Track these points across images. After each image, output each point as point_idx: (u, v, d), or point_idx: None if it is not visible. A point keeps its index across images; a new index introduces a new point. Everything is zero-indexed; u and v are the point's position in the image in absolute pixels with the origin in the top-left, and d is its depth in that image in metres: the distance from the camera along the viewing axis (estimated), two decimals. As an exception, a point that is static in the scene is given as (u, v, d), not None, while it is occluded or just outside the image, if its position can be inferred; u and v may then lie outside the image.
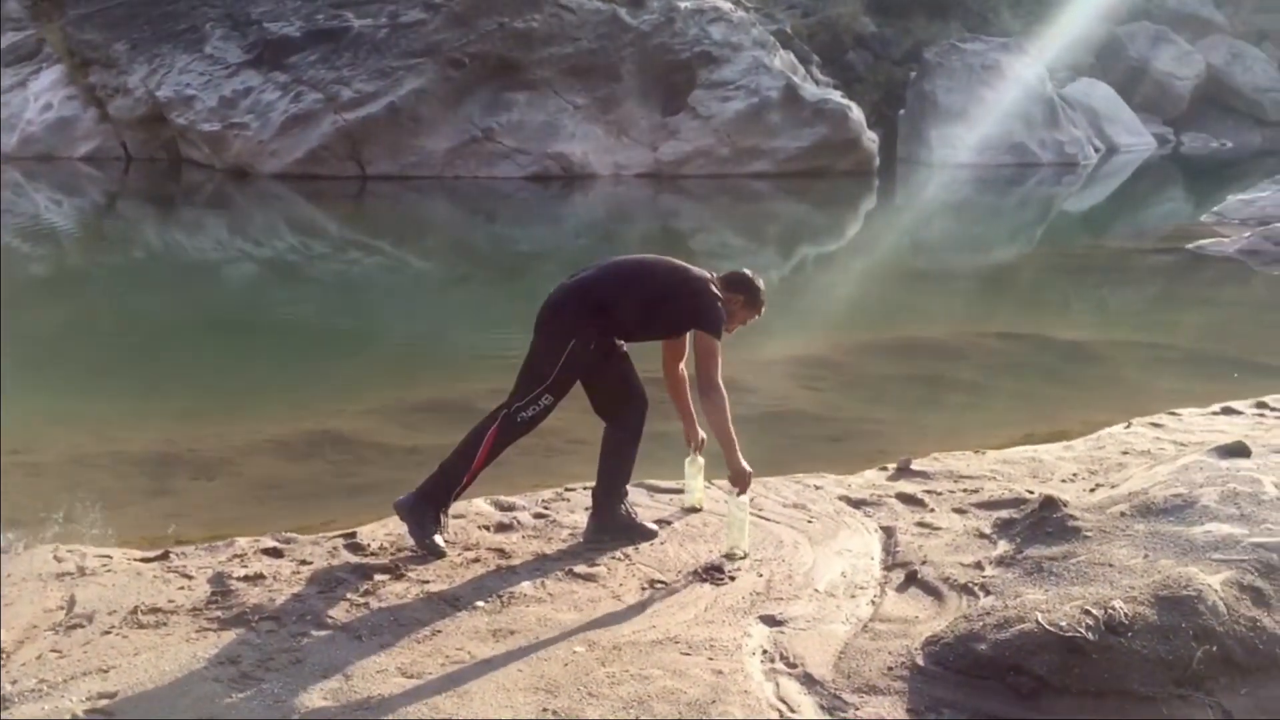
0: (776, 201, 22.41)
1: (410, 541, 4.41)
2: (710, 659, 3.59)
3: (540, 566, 4.31)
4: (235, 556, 4.31)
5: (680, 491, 5.07)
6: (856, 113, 24.26)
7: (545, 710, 3.25)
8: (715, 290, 4.57)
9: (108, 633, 3.63)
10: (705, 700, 3.32)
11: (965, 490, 5.20)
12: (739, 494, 4.47)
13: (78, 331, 10.27)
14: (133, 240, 18.55)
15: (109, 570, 4.14)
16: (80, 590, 3.96)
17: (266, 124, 22.12)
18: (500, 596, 4.00)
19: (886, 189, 24.45)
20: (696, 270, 4.66)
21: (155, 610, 3.78)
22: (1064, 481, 5.35)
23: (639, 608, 3.98)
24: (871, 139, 24.72)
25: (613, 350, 4.61)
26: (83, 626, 3.67)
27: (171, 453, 6.26)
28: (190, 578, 4.08)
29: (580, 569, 4.28)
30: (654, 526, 4.67)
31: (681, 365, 4.86)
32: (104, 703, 3.19)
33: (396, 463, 6.06)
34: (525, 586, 4.10)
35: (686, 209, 21.94)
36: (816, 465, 5.83)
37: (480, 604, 3.93)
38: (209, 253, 17.34)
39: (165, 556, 4.30)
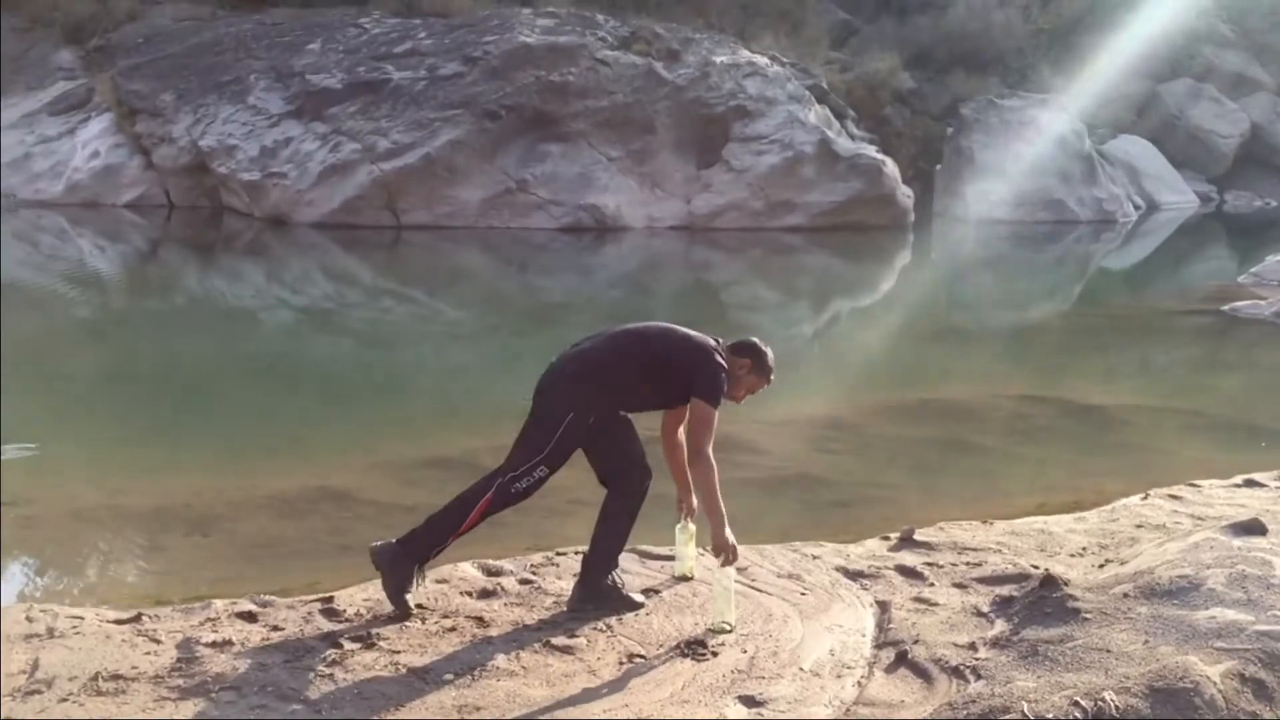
0: (809, 255, 22.29)
1: (385, 605, 4.31)
2: (682, 743, 3.45)
3: (518, 637, 4.19)
4: (208, 620, 4.22)
5: (672, 558, 4.94)
6: (891, 167, 24.13)
7: (502, 796, 3.12)
8: (719, 358, 4.47)
9: (64, 700, 3.55)
10: (671, 789, 3.18)
11: (968, 563, 5.03)
12: (724, 566, 4.34)
13: (98, 378, 10.31)
14: (172, 287, 18.73)
15: (78, 633, 4.06)
16: (46, 653, 3.89)
17: (305, 174, 22.34)
18: (472, 670, 3.88)
19: (921, 244, 24.26)
20: (700, 337, 4.56)
21: (117, 677, 3.70)
22: (1072, 556, 5.17)
23: (614, 684, 3.84)
24: (907, 194, 24.56)
25: (613, 421, 4.53)
26: (40, 693, 3.59)
27: (168, 507, 6.20)
28: (159, 642, 3.99)
29: (559, 640, 4.15)
30: (639, 598, 4.54)
31: (681, 430, 4.75)
32: (46, 778, 3.09)
33: (392, 521, 5.89)
34: (499, 659, 3.98)
35: (719, 261, 21.89)
36: (820, 532, 5.69)
37: (449, 677, 3.81)
38: (246, 300, 17.46)
39: (137, 619, 4.22)
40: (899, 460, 7.75)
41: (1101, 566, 4.94)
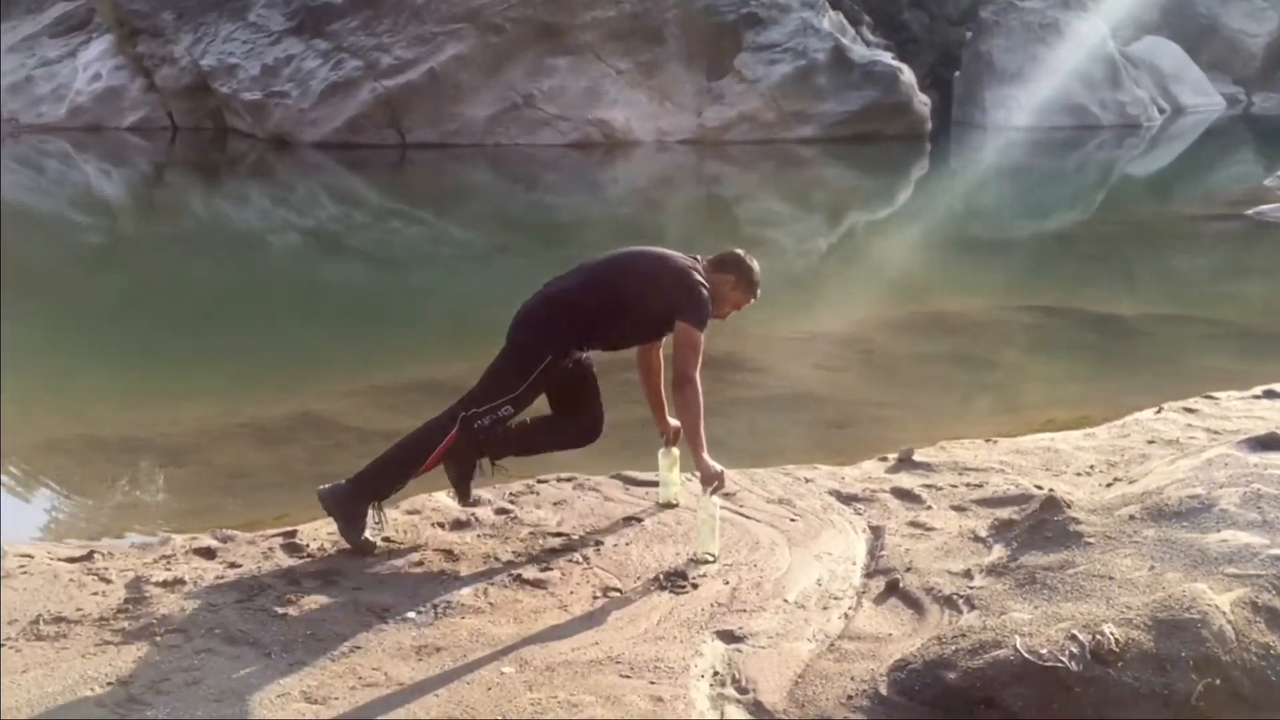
0: (823, 167, 21.82)
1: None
2: (652, 683, 3.23)
3: (488, 571, 3.97)
4: (163, 558, 4.02)
5: (656, 484, 4.70)
6: (908, 75, 23.52)
7: (453, 745, 2.91)
8: (699, 277, 4.20)
9: (2, 645, 3.35)
10: (636, 733, 2.97)
11: (969, 485, 4.77)
12: (710, 494, 4.10)
13: (90, 307, 10.13)
14: (177, 211, 18.51)
15: (25, 572, 3.87)
16: (-12, 595, 3.70)
17: (307, 92, 21.95)
18: (436, 606, 3.67)
19: (939, 153, 23.71)
20: (678, 258, 4.28)
21: (59, 620, 3.50)
22: (1079, 475, 4.90)
23: (585, 620, 3.63)
24: (924, 102, 23.97)
25: (582, 366, 4.31)
26: (-23, 638, 3.40)
27: (142, 437, 6.02)
28: (108, 581, 3.80)
29: (530, 574, 3.94)
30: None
31: (657, 351, 4.49)
32: (-30, 730, 2.91)
33: (372, 449, 5.69)
34: (465, 594, 3.77)
35: (730, 175, 21.45)
36: (815, 454, 5.45)
37: (411, 615, 3.60)
38: (252, 224, 17.21)
39: (89, 557, 4.03)
40: (904, 378, 7.48)
41: (1109, 486, 4.68)
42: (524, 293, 4.35)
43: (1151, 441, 5.32)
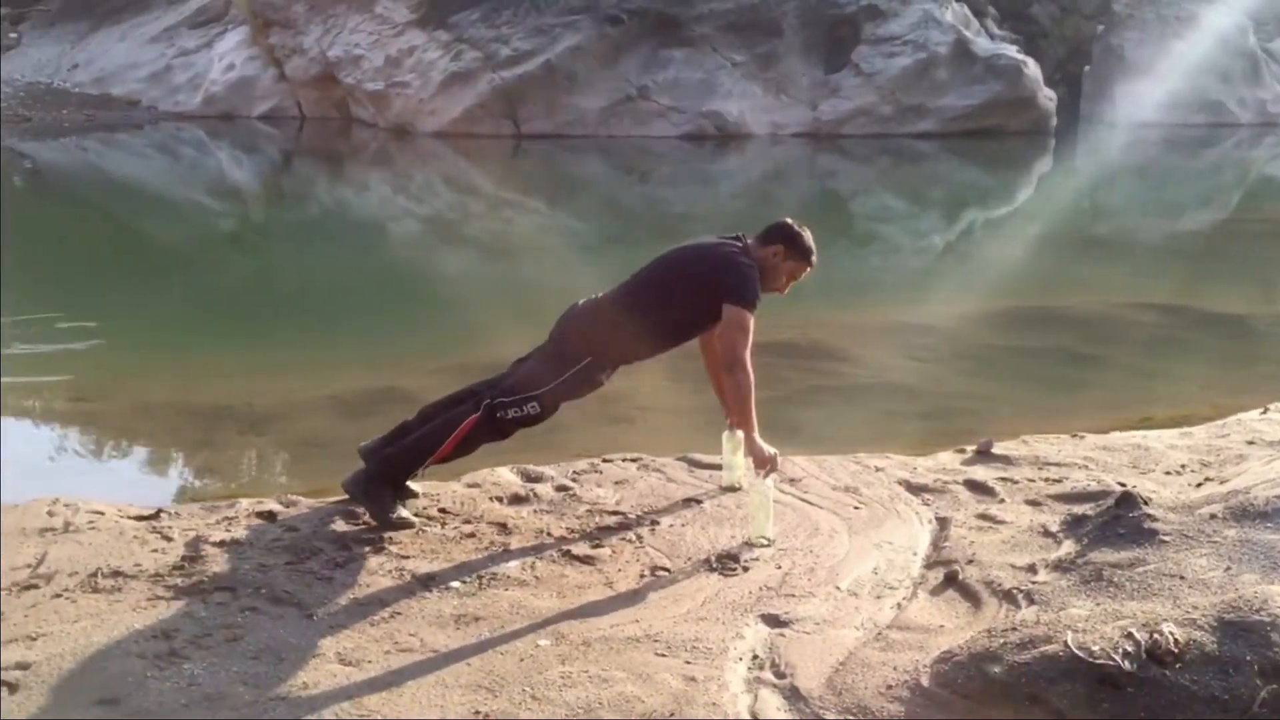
0: (941, 163, 21.35)
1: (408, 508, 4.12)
2: (688, 662, 3.16)
3: (538, 546, 3.95)
4: (226, 519, 4.09)
5: (720, 467, 4.62)
6: (1032, 68, 22.87)
7: (477, 712, 2.89)
8: (743, 258, 4.10)
9: (58, 596, 3.45)
10: (662, 711, 2.91)
11: (1046, 479, 4.59)
12: (763, 477, 4.01)
13: (205, 286, 10.43)
14: (304, 198, 19.00)
15: (94, 528, 3.98)
16: (55, 548, 3.81)
17: (427, 83, 22.32)
18: (481, 577, 3.66)
19: (1064, 150, 23.00)
20: (720, 244, 4.21)
21: (116, 574, 3.59)
22: (1167, 474, 4.67)
23: (629, 598, 3.57)
24: (1049, 96, 23.28)
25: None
26: (37, 587, 3.50)
27: (231, 405, 6.17)
28: (169, 540, 3.88)
29: (580, 550, 3.90)
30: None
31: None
32: (15, 673, 2.98)
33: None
34: (512, 567, 3.75)
35: (845, 170, 21.15)
36: (892, 444, 5.29)
37: (455, 584, 3.60)
38: (372, 211, 17.54)
39: (156, 516, 4.12)
40: (999, 371, 7.24)
41: (1199, 486, 4.44)
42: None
43: (1251, 442, 5.04)
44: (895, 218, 17.00)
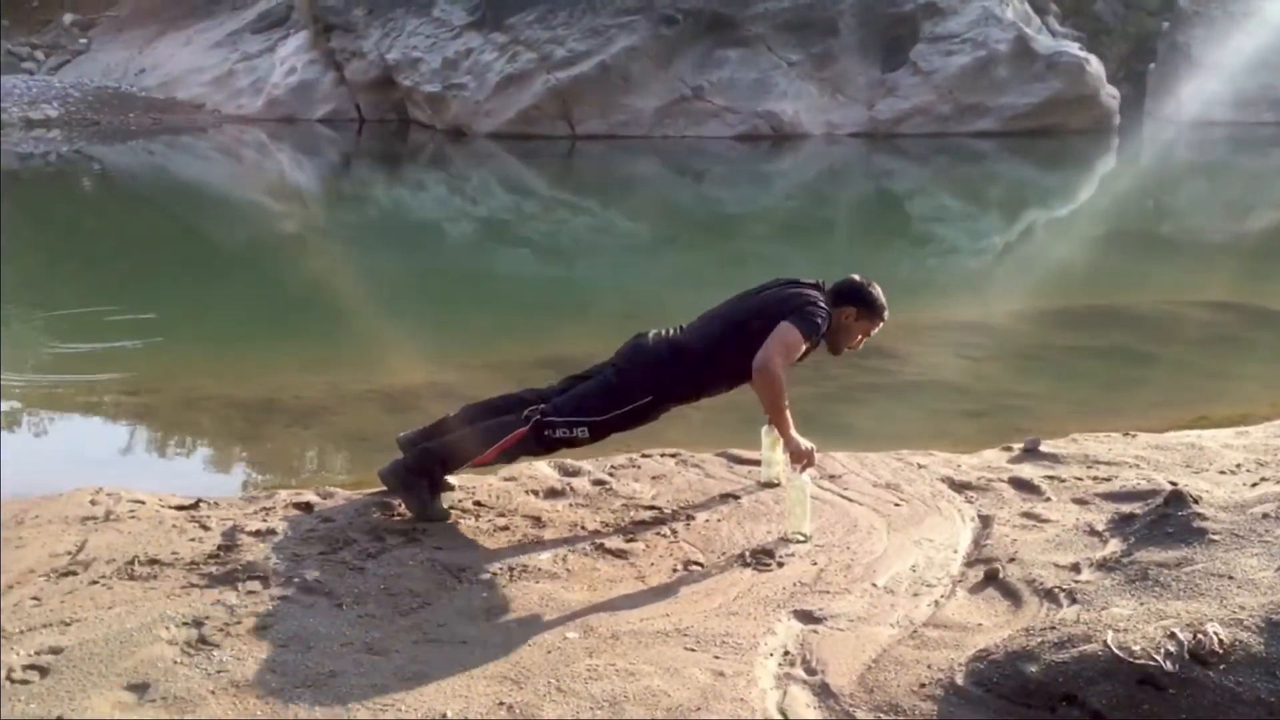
0: (1001, 162, 21.08)
1: (445, 500, 4.11)
2: (717, 657, 3.11)
3: (572, 539, 3.92)
4: (264, 509, 4.11)
5: (759, 463, 4.57)
6: (1095, 65, 22.50)
7: (501, 704, 2.86)
8: (822, 305, 4.07)
9: (95, 583, 3.47)
10: (689, 706, 2.86)
11: (1095, 478, 4.47)
12: (800, 471, 3.95)
13: (263, 284, 10.56)
14: (364, 200, 19.15)
15: (134, 517, 4.01)
16: (95, 536, 3.84)
17: (483, 84, 22.45)
18: (512, 569, 3.64)
19: (1128, 149, 22.60)
20: (801, 289, 4.15)
21: (153, 562, 3.61)
22: (1222, 473, 4.53)
23: (661, 591, 3.53)
24: (1112, 94, 22.89)
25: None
26: (75, 574, 3.53)
27: (278, 399, 6.22)
28: (207, 529, 3.90)
29: (613, 544, 3.87)
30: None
31: None
32: (47, 658, 3.01)
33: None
34: (544, 560, 3.72)
35: (902, 170, 20.94)
36: (939, 442, 5.21)
37: (486, 576, 3.58)
38: (429, 212, 17.66)
39: (196, 506, 4.15)
40: (1053, 369, 7.10)
41: (1254, 486, 4.30)
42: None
43: (1311, 442, 4.88)
44: (952, 218, 16.81)
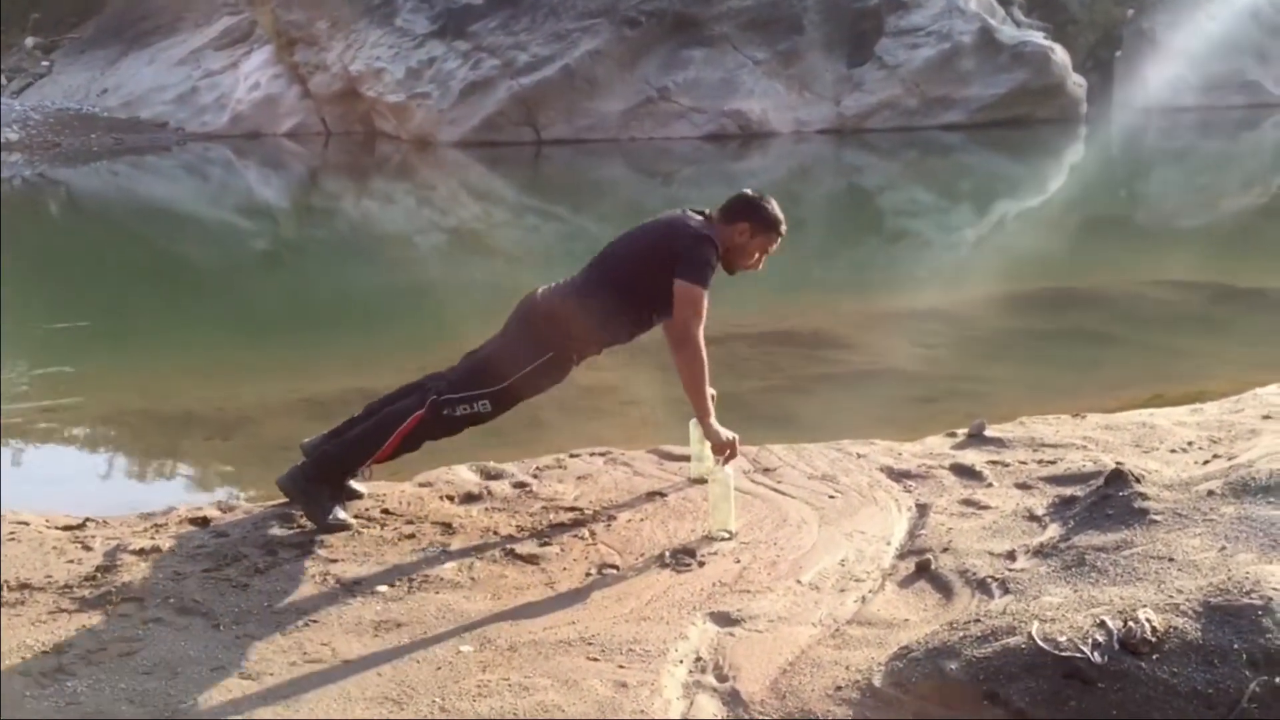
0: (969, 154, 20.91)
1: (352, 509, 3.87)
2: (621, 666, 2.88)
3: (481, 545, 3.67)
4: (153, 526, 3.86)
5: (689, 459, 4.34)
6: (1060, 55, 22.37)
7: (377, 727, 2.62)
8: (705, 232, 3.80)
9: (-45, 611, 3.22)
10: (584, 721, 2.63)
11: (1040, 461, 4.26)
12: (722, 464, 3.72)
13: (209, 299, 10.31)
14: (332, 213, 18.83)
15: (13, 539, 3.75)
16: (-33, 561, 3.58)
17: (446, 93, 22.21)
18: (412, 580, 3.39)
19: (1096, 137, 22.46)
20: (684, 218, 3.89)
21: (24, 587, 3.35)
22: (1173, 452, 4.31)
23: (570, 598, 3.30)
24: (1078, 83, 22.77)
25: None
26: (-64, 602, 3.28)
27: (200, 412, 5.97)
28: (89, 550, 3.64)
29: (525, 549, 3.62)
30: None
31: None
32: (-113, 694, 2.75)
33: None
34: (448, 569, 3.48)
35: (872, 165, 20.75)
36: (887, 430, 4.97)
37: (382, 589, 3.33)
38: (398, 224, 17.32)
39: (82, 526, 3.90)
40: (1005, 353, 6.90)
41: (1206, 464, 4.09)
42: None
43: (1267, 417, 4.68)
44: (922, 211, 16.65)
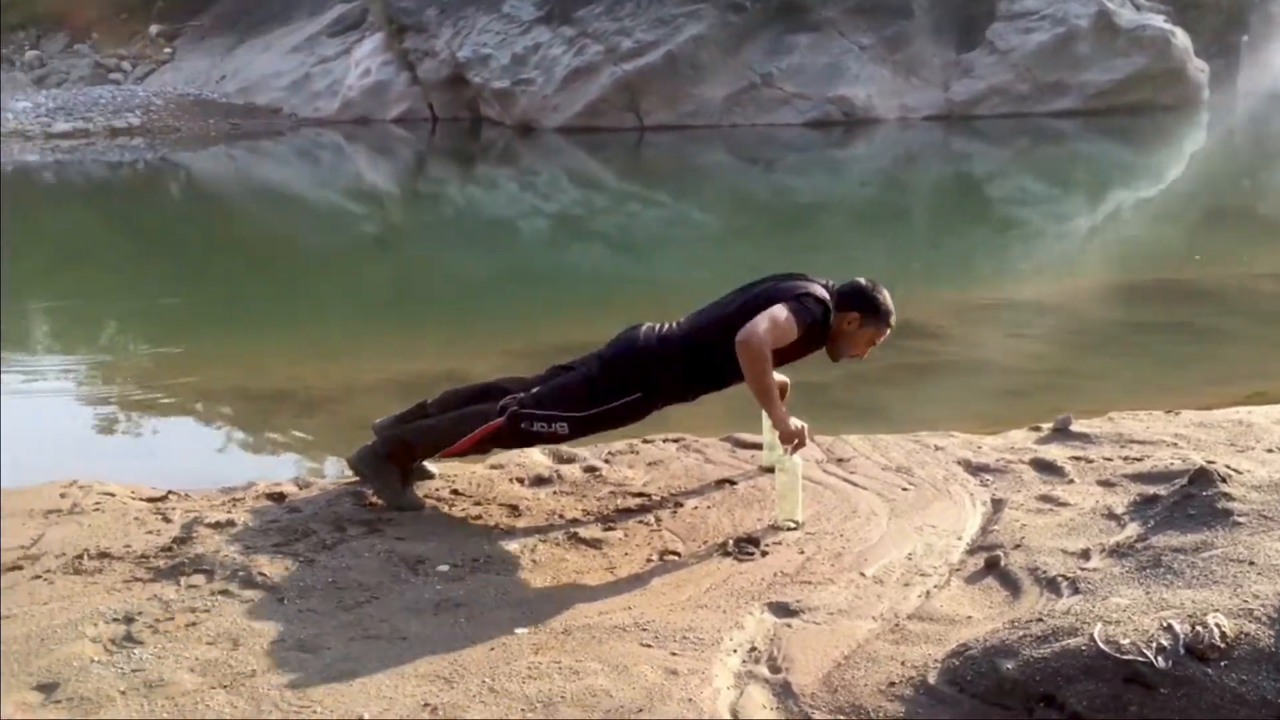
0: (1083, 142, 20.29)
1: (422, 489, 3.92)
2: (674, 654, 2.85)
3: (546, 528, 3.68)
4: (233, 500, 3.95)
5: (760, 447, 4.29)
6: (1182, 38, 21.56)
7: (425, 705, 2.64)
8: (822, 293, 3.75)
9: (38, 577, 3.33)
10: (630, 707, 2.61)
11: (1126, 459, 4.10)
12: (791, 454, 3.66)
13: (322, 279, 10.54)
14: (438, 198, 19.12)
15: (98, 509, 3.88)
16: (54, 529, 3.71)
17: (550, 79, 22.31)
18: (475, 561, 3.41)
19: (1219, 124, 21.62)
20: (805, 278, 3.83)
21: (103, 555, 3.46)
22: (1269, 451, 4.12)
23: (628, 583, 3.28)
24: (1200, 68, 21.92)
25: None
26: (21, 569, 3.39)
27: (290, 390, 6.10)
28: (169, 521, 3.74)
29: (589, 533, 3.62)
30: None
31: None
32: (-35, 656, 2.86)
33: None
34: (510, 550, 3.49)
35: (980, 152, 20.28)
36: (971, 423, 4.86)
37: (443, 568, 3.36)
38: (501, 209, 17.50)
39: (164, 498, 4.01)
40: (1105, 347, 6.67)
41: (1305, 464, 3.90)
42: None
43: (1375, 417, 4.44)
44: (1032, 200, 16.18)
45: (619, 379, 3.77)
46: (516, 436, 3.80)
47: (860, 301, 3.80)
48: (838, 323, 3.77)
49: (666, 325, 3.91)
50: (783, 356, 3.71)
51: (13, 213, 16.58)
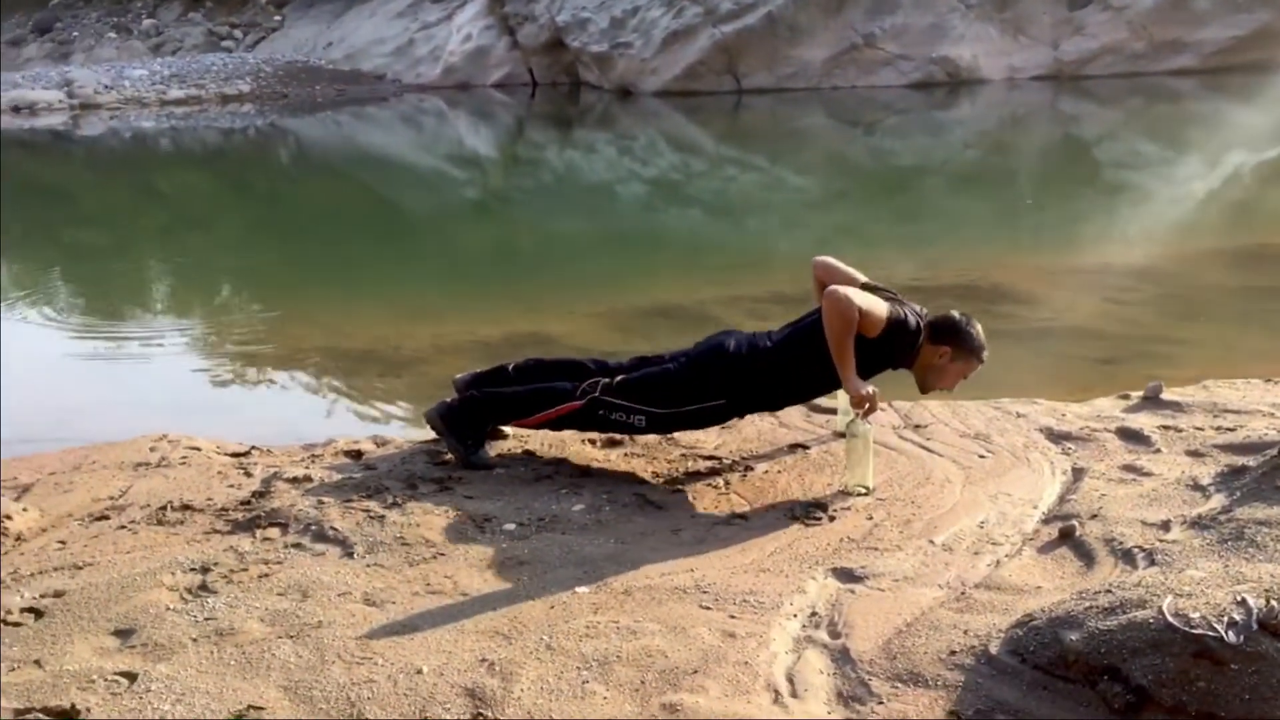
0: (1201, 102, 19.52)
1: (493, 449, 3.96)
2: (733, 616, 2.84)
3: (614, 490, 3.69)
4: (312, 456, 4.05)
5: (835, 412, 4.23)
6: (1310, -8, 20.61)
7: (483, 660, 2.66)
8: (915, 319, 3.73)
9: (123, 527, 3.45)
10: (684, 668, 2.60)
11: (1218, 428, 3.96)
12: (862, 418, 3.61)
13: (420, 242, 10.69)
14: (538, 163, 19.22)
15: (184, 463, 4.00)
16: (141, 481, 3.84)
17: (649, 42, 22.22)
18: (541, 520, 3.44)
19: (1351, 84, 20.60)
20: (898, 307, 3.77)
21: (185, 508, 3.56)
22: (1373, 424, 3.94)
23: (692, 546, 3.27)
24: (1329, 24, 20.91)
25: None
26: (107, 519, 3.52)
27: (378, 350, 6.21)
28: (249, 475, 3.85)
29: (656, 496, 3.62)
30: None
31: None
32: (48, 601, 2.97)
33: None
34: (576, 511, 3.51)
35: (1091, 113, 19.65)
36: (1056, 390, 4.75)
37: (510, 527, 3.39)
38: (599, 174, 17.53)
39: (247, 453, 4.12)
40: (1204, 312, 6.42)
41: None
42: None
43: None
44: (1145, 163, 15.65)
45: (705, 383, 3.77)
46: (592, 421, 3.83)
47: (953, 337, 3.75)
48: (929, 355, 3.74)
49: (758, 335, 3.90)
50: (858, 359, 3.64)
51: (131, 177, 17.18)
